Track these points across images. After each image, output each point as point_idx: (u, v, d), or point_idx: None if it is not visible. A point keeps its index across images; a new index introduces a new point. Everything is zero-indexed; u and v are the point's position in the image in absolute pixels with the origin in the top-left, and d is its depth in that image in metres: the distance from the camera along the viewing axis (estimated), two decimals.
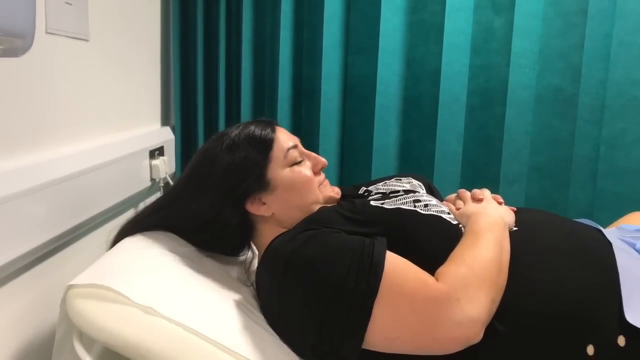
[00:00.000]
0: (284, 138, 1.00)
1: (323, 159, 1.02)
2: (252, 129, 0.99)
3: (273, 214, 0.97)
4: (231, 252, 1.07)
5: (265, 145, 0.97)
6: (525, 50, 1.41)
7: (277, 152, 0.97)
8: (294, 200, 0.97)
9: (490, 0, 1.44)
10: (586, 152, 1.41)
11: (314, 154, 1.03)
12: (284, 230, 0.93)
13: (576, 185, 1.43)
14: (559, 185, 1.45)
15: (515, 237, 0.87)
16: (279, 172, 0.97)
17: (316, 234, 0.83)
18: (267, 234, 0.97)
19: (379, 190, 1.07)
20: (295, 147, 1.00)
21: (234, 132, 0.99)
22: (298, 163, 0.99)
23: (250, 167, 0.95)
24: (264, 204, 0.97)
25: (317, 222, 0.89)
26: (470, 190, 1.03)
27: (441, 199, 1.08)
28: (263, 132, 0.98)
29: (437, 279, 0.76)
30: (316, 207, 0.98)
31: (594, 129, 1.40)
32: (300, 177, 0.98)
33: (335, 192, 1.03)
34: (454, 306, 0.72)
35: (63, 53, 1.08)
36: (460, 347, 0.72)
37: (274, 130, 1.00)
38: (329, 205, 1.00)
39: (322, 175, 1.03)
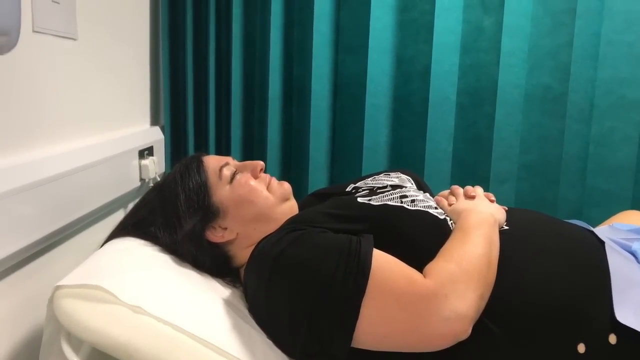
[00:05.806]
0: (213, 161, 1.01)
1: (258, 161, 1.02)
2: (179, 169, 1.01)
3: (238, 234, 0.98)
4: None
5: (198, 176, 0.98)
6: (515, 49, 1.42)
7: (211, 177, 0.98)
8: (249, 212, 0.97)
9: None
10: (575, 150, 1.42)
11: (248, 162, 1.03)
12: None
13: (566, 184, 1.43)
14: (549, 184, 1.45)
15: (505, 236, 0.86)
16: (221, 193, 0.97)
17: (303, 234, 0.83)
18: (244, 253, 0.97)
19: (367, 185, 1.07)
20: (226, 164, 1.00)
21: (168, 179, 1.01)
22: (235, 178, 0.99)
23: (193, 202, 0.96)
24: (225, 229, 0.97)
25: (303, 222, 0.89)
26: (462, 187, 1.03)
27: (432, 195, 1.08)
28: (190, 166, 1.00)
29: (425, 276, 0.76)
30: (277, 210, 0.99)
31: (583, 127, 1.41)
32: (242, 188, 0.98)
33: (283, 187, 1.03)
34: (442, 302, 0.71)
35: (50, 52, 1.07)
36: (449, 344, 0.72)
37: (200, 160, 1.01)
38: (289, 202, 1.01)
39: (266, 176, 1.03)
